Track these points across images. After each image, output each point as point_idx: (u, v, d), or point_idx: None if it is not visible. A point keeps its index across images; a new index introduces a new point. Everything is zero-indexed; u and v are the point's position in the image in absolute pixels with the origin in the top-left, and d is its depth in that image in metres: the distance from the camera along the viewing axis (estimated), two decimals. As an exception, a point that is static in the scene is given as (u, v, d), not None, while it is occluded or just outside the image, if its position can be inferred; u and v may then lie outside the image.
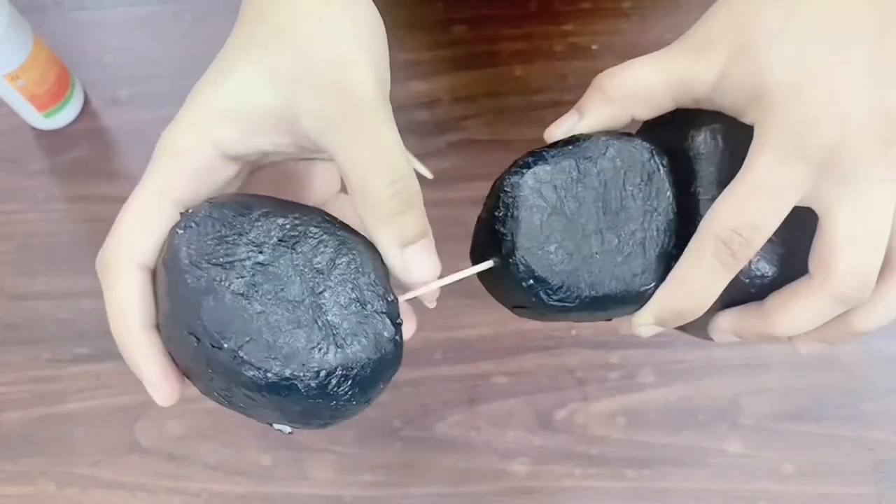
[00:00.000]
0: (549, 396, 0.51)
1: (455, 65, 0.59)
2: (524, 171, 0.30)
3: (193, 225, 0.27)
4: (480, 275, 0.32)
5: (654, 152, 0.31)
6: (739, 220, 0.28)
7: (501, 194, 0.30)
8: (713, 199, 0.29)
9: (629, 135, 0.31)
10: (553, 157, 0.30)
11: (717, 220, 0.28)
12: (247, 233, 0.27)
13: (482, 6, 0.61)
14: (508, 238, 0.29)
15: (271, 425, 0.29)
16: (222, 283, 0.26)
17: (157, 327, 0.29)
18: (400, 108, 0.58)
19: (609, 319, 0.32)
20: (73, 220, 0.58)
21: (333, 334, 0.27)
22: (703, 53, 0.29)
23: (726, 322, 0.32)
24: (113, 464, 0.52)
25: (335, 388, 0.27)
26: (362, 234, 0.29)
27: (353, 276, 0.28)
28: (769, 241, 0.29)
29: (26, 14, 0.55)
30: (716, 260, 0.29)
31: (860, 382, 0.51)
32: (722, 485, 0.49)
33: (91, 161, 0.59)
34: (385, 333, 0.28)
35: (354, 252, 0.28)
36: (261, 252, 0.27)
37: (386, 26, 0.31)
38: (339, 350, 0.27)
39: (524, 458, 0.50)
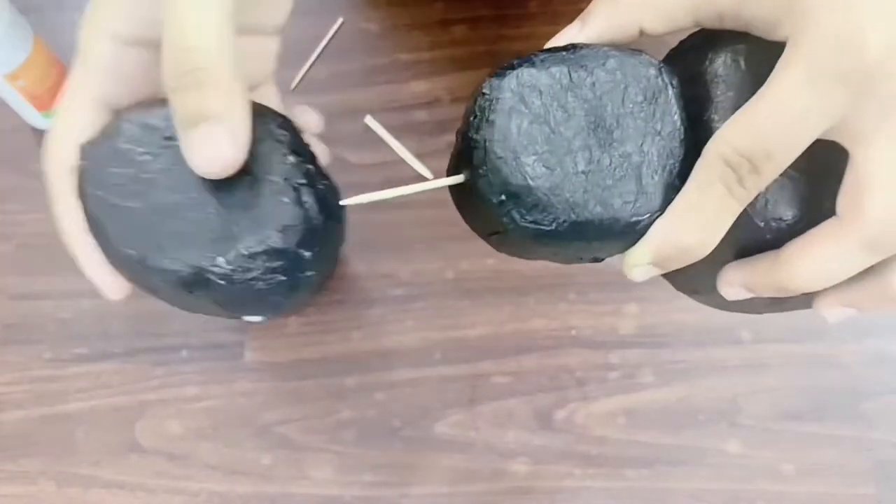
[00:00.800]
0: (549, 396, 0.51)
1: (455, 65, 0.59)
2: (507, 72, 0.26)
3: (90, 158, 0.28)
4: (454, 197, 0.29)
5: (662, 70, 0.27)
6: (750, 143, 0.24)
7: (479, 97, 0.26)
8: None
9: (638, 51, 0.27)
10: (543, 60, 0.26)
11: (725, 140, 0.25)
12: (143, 140, 0.28)
13: (482, 6, 0.61)
14: (480, 145, 0.26)
15: (241, 318, 0.30)
16: (120, 202, 0.27)
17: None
18: (400, 108, 0.58)
19: (599, 260, 0.29)
20: (73, 220, 0.58)
21: (232, 216, 0.26)
22: None
23: (737, 273, 0.27)
24: (113, 464, 0.52)
25: (251, 269, 0.26)
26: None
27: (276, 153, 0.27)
28: (790, 178, 0.25)
29: (26, 14, 0.55)
30: (723, 186, 0.25)
31: (860, 382, 0.51)
32: (722, 485, 0.49)
33: (91, 161, 0.59)
34: (290, 204, 0.27)
35: (280, 132, 0.28)
36: (156, 155, 0.27)
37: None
38: (241, 230, 0.26)
39: (524, 457, 0.50)
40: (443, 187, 0.29)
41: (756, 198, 0.26)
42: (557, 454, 0.50)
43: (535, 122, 0.26)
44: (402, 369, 0.53)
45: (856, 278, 0.26)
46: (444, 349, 0.53)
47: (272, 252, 0.26)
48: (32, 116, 0.58)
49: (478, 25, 0.60)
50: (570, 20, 0.30)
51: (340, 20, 0.61)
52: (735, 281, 0.28)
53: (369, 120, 0.57)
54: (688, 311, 0.52)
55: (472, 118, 0.27)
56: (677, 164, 0.26)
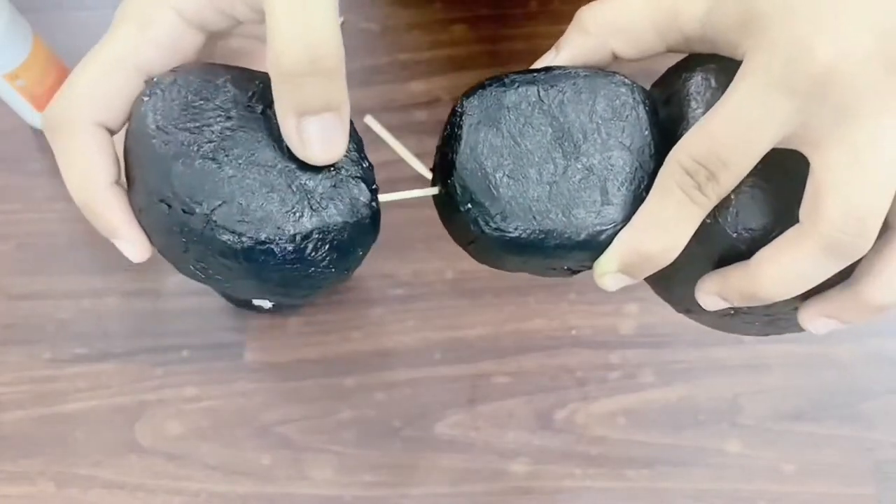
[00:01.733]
0: (549, 396, 0.51)
1: (455, 65, 0.59)
2: (478, 90, 0.28)
3: (159, 91, 0.26)
4: (437, 208, 0.30)
5: (634, 88, 0.28)
6: (706, 150, 0.25)
7: (452, 115, 0.28)
8: None
9: (612, 72, 0.29)
10: (513, 80, 0.28)
11: (683, 149, 0.26)
12: (213, 98, 0.26)
13: (482, 6, 0.61)
14: (449, 158, 0.27)
15: (251, 303, 0.28)
16: (191, 147, 0.25)
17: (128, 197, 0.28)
18: (400, 108, 0.58)
19: (573, 272, 0.29)
20: (72, 220, 0.58)
21: (308, 198, 0.26)
22: None
23: (711, 283, 0.28)
24: (113, 464, 0.52)
25: (312, 253, 0.26)
26: None
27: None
28: (761, 189, 0.26)
29: (26, 14, 0.55)
30: (681, 192, 0.26)
31: (860, 382, 0.51)
32: (722, 485, 0.49)
33: (91, 161, 0.59)
34: (361, 198, 0.27)
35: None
36: (229, 117, 0.26)
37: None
38: (314, 214, 0.26)
39: (524, 457, 0.50)
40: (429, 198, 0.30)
41: (728, 209, 0.27)
42: (557, 454, 0.50)
43: (502, 137, 0.27)
44: (402, 369, 0.53)
45: (836, 290, 0.27)
46: (444, 349, 0.53)
47: (336, 232, 0.26)
48: (32, 116, 0.58)
49: (477, 25, 0.60)
50: (570, 20, 0.30)
51: (341, 20, 0.61)
52: (710, 290, 0.28)
53: (369, 119, 0.57)
54: (688, 311, 0.52)
55: (445, 133, 0.28)
56: (646, 178, 0.27)
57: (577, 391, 0.51)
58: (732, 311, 0.30)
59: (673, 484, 0.49)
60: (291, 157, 0.26)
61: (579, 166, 0.27)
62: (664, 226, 0.26)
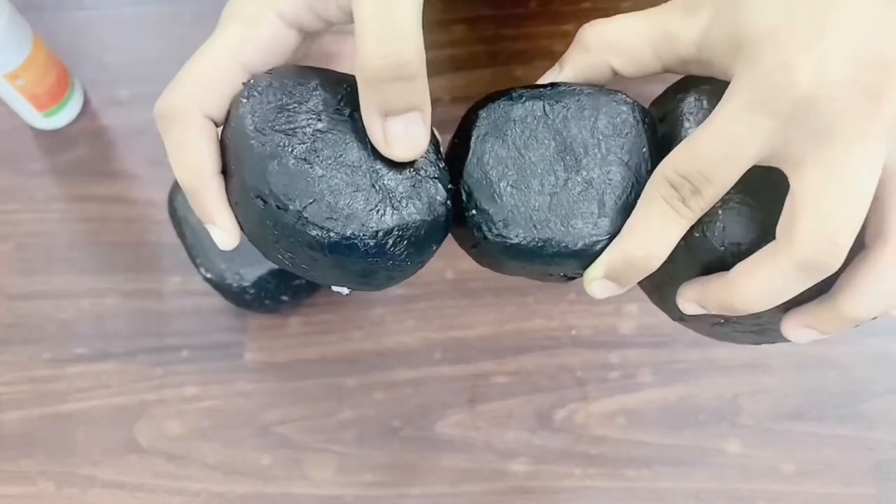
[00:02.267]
0: (549, 396, 0.51)
1: (455, 65, 0.59)
2: (487, 103, 0.30)
3: (256, 94, 0.28)
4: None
5: (635, 107, 0.30)
6: (690, 165, 0.27)
7: (462, 125, 0.30)
8: None
9: (615, 91, 0.30)
10: (520, 94, 0.30)
11: (669, 163, 0.27)
12: (306, 101, 0.29)
13: (482, 6, 0.61)
14: (457, 166, 0.29)
15: (330, 287, 0.30)
16: (286, 148, 0.27)
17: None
18: (400, 108, 0.58)
19: (569, 278, 0.31)
20: (72, 220, 0.58)
21: (390, 197, 0.28)
22: (690, 11, 0.28)
23: (691, 290, 0.29)
24: (113, 464, 0.52)
25: (392, 248, 0.28)
26: None
27: None
28: (748, 205, 0.27)
29: (26, 14, 0.55)
30: (665, 204, 0.27)
31: (859, 382, 0.51)
32: (722, 485, 0.49)
33: (91, 161, 0.59)
34: (438, 197, 0.29)
35: None
36: (319, 120, 0.28)
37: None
38: (395, 212, 0.28)
39: (524, 457, 0.50)
40: None
41: (716, 224, 0.28)
42: (557, 454, 0.50)
43: (507, 148, 0.29)
44: (402, 369, 0.53)
45: (815, 302, 0.28)
46: (444, 349, 0.53)
47: (414, 229, 0.28)
48: (32, 116, 0.58)
49: (477, 25, 0.60)
50: (570, 20, 0.31)
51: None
52: (689, 297, 0.29)
53: None
54: (688, 311, 0.52)
55: (454, 140, 0.30)
56: (640, 192, 0.29)
57: (576, 391, 0.51)
58: (722, 321, 0.31)
59: (673, 484, 0.49)
60: (375, 157, 0.28)
61: (579, 179, 0.29)
62: (648, 235, 0.28)
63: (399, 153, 0.28)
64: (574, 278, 0.31)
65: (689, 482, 0.49)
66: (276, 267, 0.49)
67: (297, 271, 0.30)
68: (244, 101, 0.29)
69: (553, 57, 0.41)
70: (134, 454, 0.52)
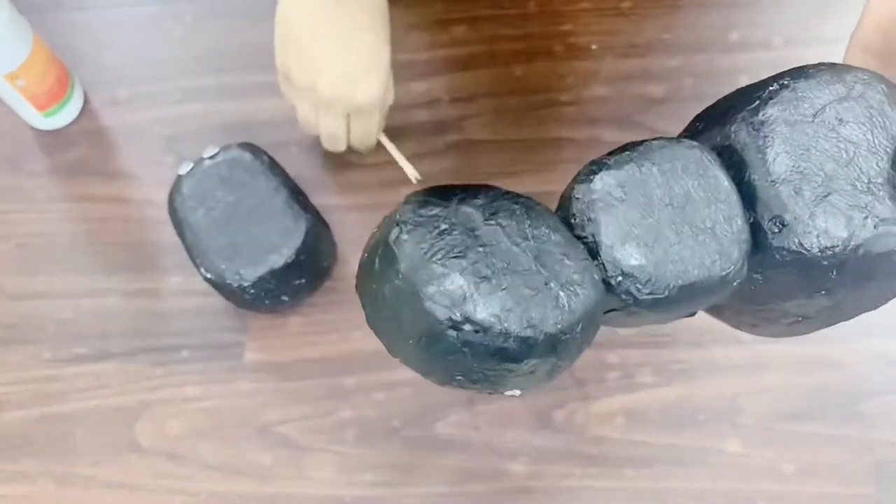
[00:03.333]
0: (549, 396, 0.51)
1: (454, 65, 0.59)
2: (591, 177, 0.31)
3: (407, 236, 0.29)
4: None
5: (702, 149, 0.32)
6: None
7: (573, 202, 0.31)
8: (769, 183, 0.30)
9: (679, 139, 0.32)
10: (615, 162, 0.31)
11: None
12: (456, 224, 0.29)
13: (482, 6, 0.61)
14: (590, 240, 0.31)
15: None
16: (465, 272, 0.28)
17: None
18: (399, 109, 0.58)
19: (692, 314, 0.33)
20: (72, 220, 0.58)
21: (567, 292, 0.29)
22: None
23: None
24: (113, 464, 0.52)
25: (568, 342, 0.29)
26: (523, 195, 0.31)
27: (551, 234, 0.30)
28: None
29: (26, 14, 0.55)
30: None
31: (860, 382, 0.51)
32: (722, 485, 0.49)
33: (91, 161, 0.59)
34: (595, 276, 0.30)
35: (543, 214, 0.30)
36: (475, 235, 0.29)
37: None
38: (568, 307, 0.29)
39: (524, 457, 0.50)
40: None
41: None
42: (557, 454, 0.50)
43: (626, 212, 0.31)
44: (402, 369, 0.53)
45: None
46: (444, 349, 0.53)
47: (585, 328, 0.29)
48: (32, 116, 0.59)
49: (477, 25, 0.60)
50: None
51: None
52: None
53: None
54: (688, 311, 0.52)
55: (571, 220, 0.31)
56: (739, 220, 0.31)
57: (576, 391, 0.51)
58: (800, 319, 0.33)
59: (673, 484, 0.49)
60: (536, 256, 0.29)
61: (695, 224, 0.31)
62: None
63: None
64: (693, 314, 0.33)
65: (689, 482, 0.49)
66: (276, 267, 0.49)
67: (460, 386, 0.30)
68: (405, 238, 0.29)
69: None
70: (134, 454, 0.52)
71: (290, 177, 0.52)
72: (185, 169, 0.51)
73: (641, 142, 0.32)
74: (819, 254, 0.30)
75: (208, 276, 0.50)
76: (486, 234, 0.29)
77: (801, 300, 0.32)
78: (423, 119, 0.58)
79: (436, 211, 0.29)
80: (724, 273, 0.31)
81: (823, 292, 0.31)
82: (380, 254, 0.30)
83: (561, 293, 0.29)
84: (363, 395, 0.52)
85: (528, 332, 0.28)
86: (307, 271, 0.51)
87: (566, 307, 0.29)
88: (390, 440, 0.51)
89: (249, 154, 0.52)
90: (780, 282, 0.31)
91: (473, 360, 0.29)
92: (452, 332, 0.28)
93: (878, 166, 0.31)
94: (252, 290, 0.49)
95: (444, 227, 0.29)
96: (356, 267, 0.30)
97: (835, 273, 0.30)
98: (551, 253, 0.30)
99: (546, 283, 0.29)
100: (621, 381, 0.52)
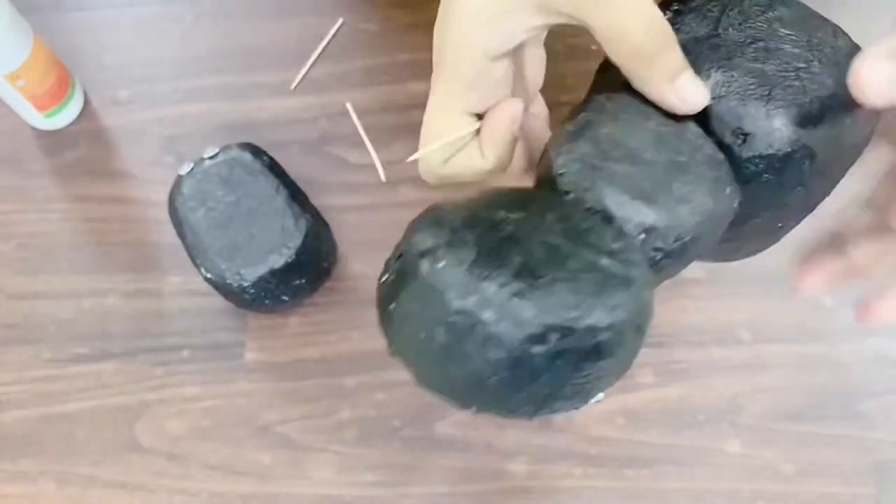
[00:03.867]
0: (549, 396, 0.51)
1: (455, 65, 0.59)
2: (570, 145, 0.31)
3: (442, 264, 0.26)
4: None
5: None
6: None
7: (561, 176, 0.30)
8: (715, 101, 0.31)
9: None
10: (579, 129, 0.31)
11: None
12: (487, 229, 0.27)
13: (482, 6, 0.61)
14: (598, 208, 0.30)
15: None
16: (505, 287, 0.25)
17: None
18: (399, 109, 0.58)
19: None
20: (73, 220, 0.58)
21: (619, 265, 0.28)
22: None
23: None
24: (113, 464, 0.52)
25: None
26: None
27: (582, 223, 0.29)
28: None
29: (26, 14, 0.55)
30: None
31: (860, 382, 0.51)
32: (722, 485, 0.49)
33: (91, 161, 0.59)
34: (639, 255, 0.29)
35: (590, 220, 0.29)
36: (506, 235, 0.27)
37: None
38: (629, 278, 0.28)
39: (524, 457, 0.50)
40: None
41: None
42: (557, 454, 0.50)
43: (621, 169, 0.30)
44: (402, 369, 0.52)
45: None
46: (444, 349, 0.53)
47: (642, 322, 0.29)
48: (32, 116, 0.59)
49: (478, 25, 0.60)
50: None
51: (340, 20, 0.61)
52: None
53: (349, 106, 0.57)
54: (688, 311, 0.52)
55: (566, 196, 0.30)
56: (708, 146, 0.31)
57: (576, 391, 0.51)
58: (780, 225, 0.34)
59: (673, 484, 0.49)
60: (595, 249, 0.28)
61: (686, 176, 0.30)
62: None
63: (700, 101, 0.30)
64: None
65: (689, 482, 0.49)
66: (276, 267, 0.49)
67: (550, 412, 0.30)
68: (438, 266, 0.27)
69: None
70: (134, 454, 0.52)
71: (290, 177, 0.52)
72: (185, 169, 0.51)
73: (589, 100, 0.32)
74: (790, 150, 0.29)
75: (208, 276, 0.50)
76: (518, 231, 0.27)
77: (781, 204, 0.32)
78: (422, 119, 0.57)
79: (456, 224, 0.27)
80: (728, 197, 0.30)
81: (800, 188, 0.31)
82: (414, 294, 0.27)
83: (615, 269, 0.27)
84: (363, 395, 0.52)
85: (615, 317, 0.26)
86: (307, 271, 0.51)
87: (631, 279, 0.27)
88: (390, 440, 0.51)
89: (249, 154, 0.52)
90: (759, 192, 0.31)
91: (565, 370, 0.26)
92: (539, 348, 0.25)
93: (795, 51, 0.31)
94: (252, 290, 0.50)
95: (469, 237, 0.26)
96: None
97: (806, 163, 0.30)
98: (588, 240, 0.28)
99: (595, 264, 0.27)
100: (621, 380, 0.52)
